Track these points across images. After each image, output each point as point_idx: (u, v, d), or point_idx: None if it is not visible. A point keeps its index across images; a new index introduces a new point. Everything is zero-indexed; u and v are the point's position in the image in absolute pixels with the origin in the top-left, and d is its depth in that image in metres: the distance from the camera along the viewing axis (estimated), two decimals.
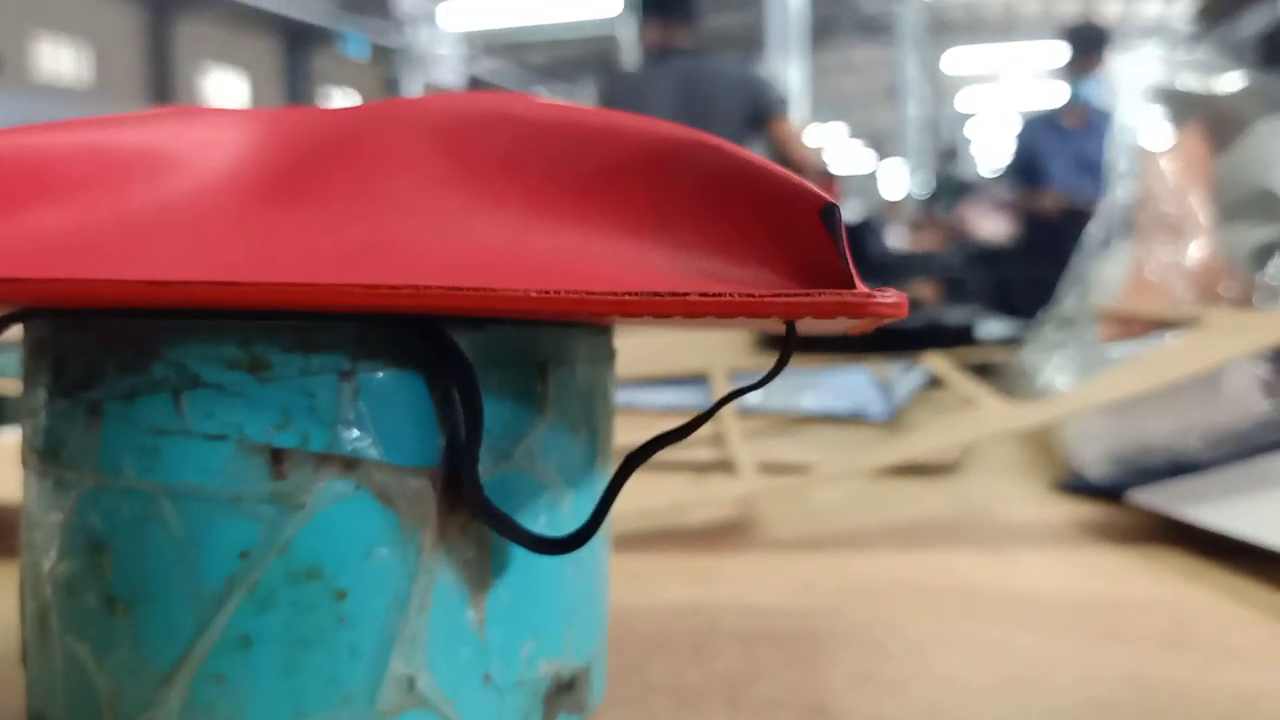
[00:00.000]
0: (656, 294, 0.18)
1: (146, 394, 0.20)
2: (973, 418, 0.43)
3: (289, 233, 0.22)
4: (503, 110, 0.24)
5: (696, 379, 0.78)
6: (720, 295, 0.18)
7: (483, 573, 0.22)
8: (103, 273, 0.20)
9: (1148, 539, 0.43)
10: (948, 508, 0.48)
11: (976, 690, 0.28)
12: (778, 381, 0.77)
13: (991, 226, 3.12)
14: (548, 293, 0.18)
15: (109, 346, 0.21)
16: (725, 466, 0.57)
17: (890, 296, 0.18)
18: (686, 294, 0.18)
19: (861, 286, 0.18)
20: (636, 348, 0.84)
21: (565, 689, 0.23)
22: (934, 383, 0.78)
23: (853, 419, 0.70)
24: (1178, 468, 0.45)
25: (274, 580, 0.20)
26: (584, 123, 0.23)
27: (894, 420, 0.69)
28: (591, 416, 0.24)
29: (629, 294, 0.18)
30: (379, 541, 0.21)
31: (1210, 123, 0.63)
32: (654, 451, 0.21)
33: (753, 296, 0.18)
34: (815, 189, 0.19)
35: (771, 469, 0.53)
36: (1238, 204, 0.57)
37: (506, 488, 0.22)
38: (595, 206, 0.22)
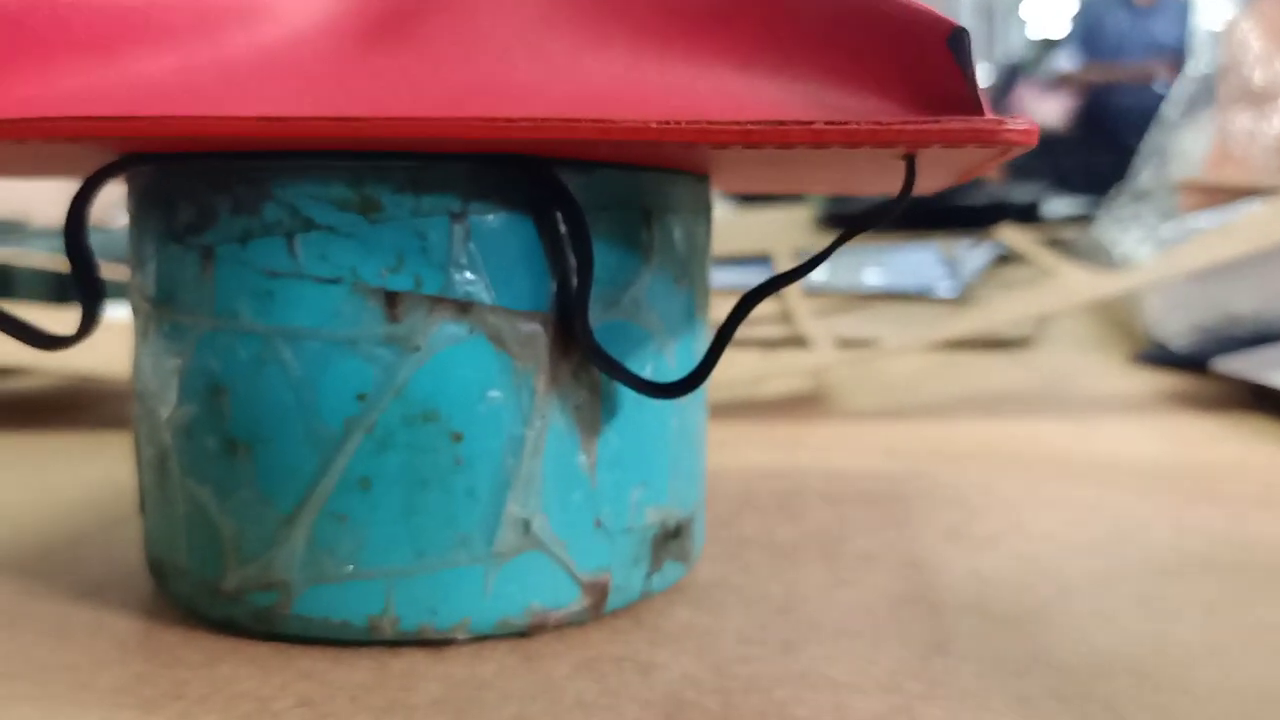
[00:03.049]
0: (781, 123, 0.17)
1: (259, 237, 0.20)
2: (1055, 287, 0.43)
3: (393, 76, 0.21)
4: None
5: (759, 259, 0.77)
6: (846, 123, 0.17)
7: (594, 418, 0.22)
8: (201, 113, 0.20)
9: (1235, 407, 0.42)
10: (1026, 379, 0.48)
11: (1072, 545, 0.28)
12: (842, 258, 0.77)
13: (1048, 109, 3.03)
14: (669, 123, 0.18)
15: (220, 189, 0.21)
16: (795, 342, 0.57)
17: (1021, 123, 0.17)
18: (811, 123, 0.17)
19: (990, 113, 0.18)
20: None
21: (672, 537, 0.24)
22: (1003, 259, 0.77)
23: (919, 296, 0.69)
24: (1263, 337, 0.45)
25: (391, 422, 0.20)
26: None
27: (962, 297, 0.68)
28: (691, 267, 0.24)
29: (753, 123, 0.17)
30: (493, 384, 0.21)
31: None
32: (770, 292, 0.21)
33: (880, 124, 0.17)
34: (941, 14, 0.18)
35: (844, 343, 0.53)
36: None
37: (614, 335, 0.22)
38: (704, 42, 0.21)
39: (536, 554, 0.21)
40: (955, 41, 0.18)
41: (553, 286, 0.21)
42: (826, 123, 0.17)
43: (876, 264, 0.74)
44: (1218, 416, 0.41)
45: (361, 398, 0.20)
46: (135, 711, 0.19)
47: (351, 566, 0.21)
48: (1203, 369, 0.46)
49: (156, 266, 0.22)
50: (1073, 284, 0.42)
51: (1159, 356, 0.49)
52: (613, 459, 0.22)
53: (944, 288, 0.69)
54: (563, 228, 0.21)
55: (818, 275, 0.73)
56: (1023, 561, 0.26)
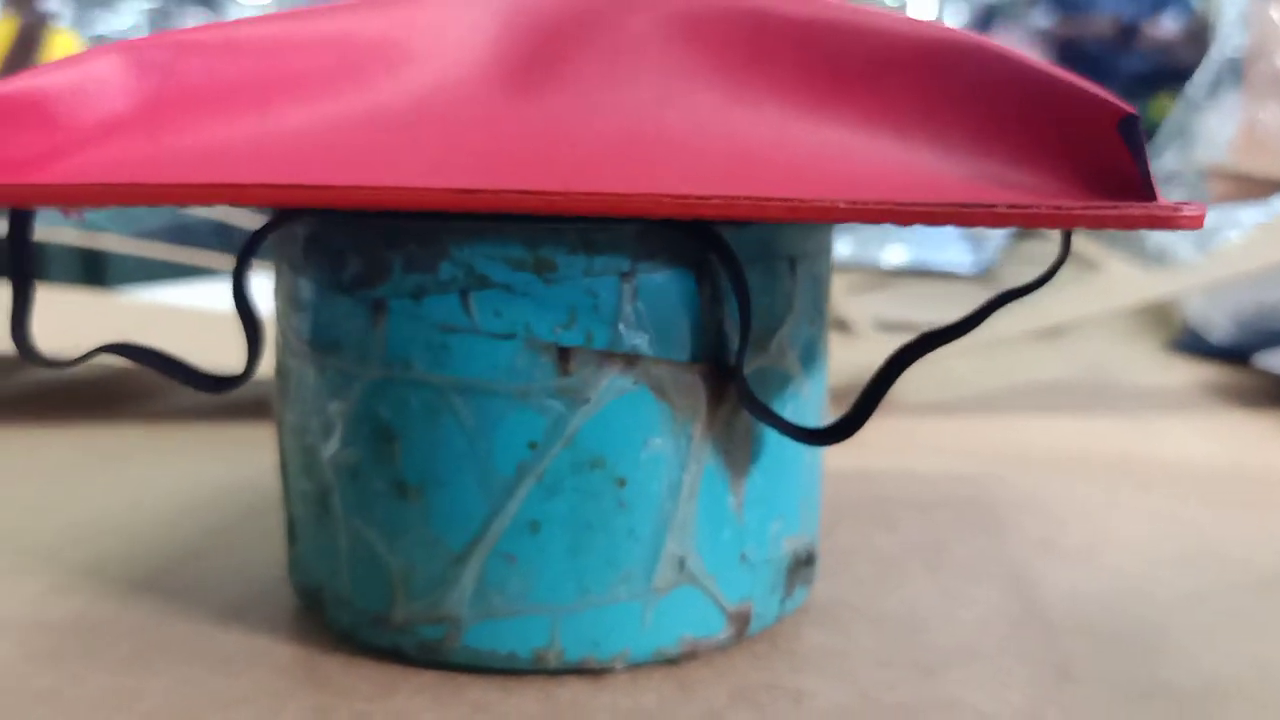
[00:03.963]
0: (965, 205, 0.18)
1: (434, 293, 0.21)
2: (1110, 287, 0.44)
3: (546, 123, 0.22)
4: (743, 3, 0.24)
5: None
6: (1028, 207, 0.18)
7: (743, 460, 0.23)
8: (368, 170, 0.21)
9: (1278, 403, 0.44)
10: (1069, 370, 0.49)
11: (1157, 559, 0.29)
12: (864, 232, 0.78)
13: None
14: (857, 204, 0.18)
15: (393, 246, 0.21)
16: (833, 325, 0.58)
17: (1194, 209, 0.18)
18: (994, 206, 0.18)
19: (1162, 199, 0.19)
20: None
21: (803, 564, 0.25)
22: (1022, 234, 0.78)
23: (943, 274, 0.70)
24: None
25: (560, 469, 0.21)
26: (839, 20, 0.23)
27: (985, 275, 0.69)
28: (821, 307, 0.25)
29: (937, 205, 0.18)
30: (655, 433, 0.22)
31: None
32: (925, 351, 0.22)
33: (1060, 209, 0.18)
34: (1114, 99, 0.19)
35: (887, 328, 0.54)
36: None
37: (760, 379, 0.23)
38: (856, 105, 0.22)
39: (690, 588, 0.22)
40: (1126, 127, 0.19)
41: (709, 338, 0.22)
42: (1009, 206, 0.18)
43: (898, 239, 0.75)
44: (1262, 413, 0.42)
45: (533, 446, 0.21)
46: None
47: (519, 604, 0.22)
48: (1240, 361, 0.47)
49: (318, 314, 0.22)
50: (1127, 283, 0.43)
51: (1195, 345, 0.50)
52: (757, 497, 0.23)
53: (966, 264, 0.70)
54: (723, 283, 0.22)
55: (840, 250, 0.74)
56: (1116, 577, 0.28)
